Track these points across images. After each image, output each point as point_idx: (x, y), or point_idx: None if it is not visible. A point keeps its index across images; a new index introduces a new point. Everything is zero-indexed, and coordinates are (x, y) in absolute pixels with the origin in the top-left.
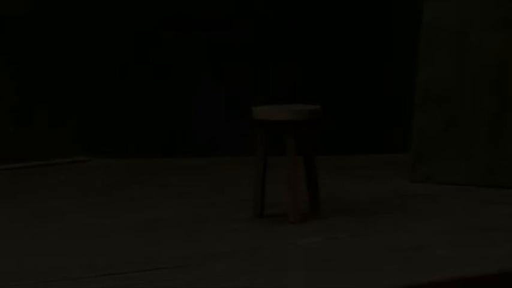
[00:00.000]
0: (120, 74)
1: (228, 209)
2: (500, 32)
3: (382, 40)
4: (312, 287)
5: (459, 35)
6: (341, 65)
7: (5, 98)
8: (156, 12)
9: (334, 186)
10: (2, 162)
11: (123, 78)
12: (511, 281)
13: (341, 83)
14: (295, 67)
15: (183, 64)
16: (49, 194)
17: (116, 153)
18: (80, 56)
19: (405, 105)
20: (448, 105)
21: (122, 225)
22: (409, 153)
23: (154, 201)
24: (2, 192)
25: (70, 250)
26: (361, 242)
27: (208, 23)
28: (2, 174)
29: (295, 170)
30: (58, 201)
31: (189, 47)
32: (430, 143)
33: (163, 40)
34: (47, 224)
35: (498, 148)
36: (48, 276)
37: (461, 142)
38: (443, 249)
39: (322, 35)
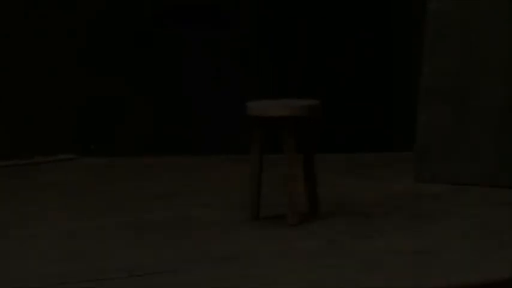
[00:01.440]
0: (116, 72)
1: (224, 210)
2: (508, 23)
3: (383, 37)
4: None
5: (465, 27)
6: (342, 63)
7: None
8: (155, 11)
9: (335, 186)
10: None
11: (119, 76)
12: None
13: (343, 81)
14: (295, 67)
15: (183, 63)
16: (32, 195)
17: (112, 152)
18: (76, 54)
19: (410, 102)
20: (455, 101)
21: (113, 227)
22: (413, 152)
23: (148, 202)
24: None
25: (60, 254)
26: (362, 244)
27: (208, 23)
28: None
29: (294, 169)
30: (42, 203)
31: (189, 46)
32: (436, 141)
33: (162, 39)
34: (28, 227)
35: (507, 146)
36: (27, 282)
37: (469, 140)
38: (451, 253)
39: (322, 34)
